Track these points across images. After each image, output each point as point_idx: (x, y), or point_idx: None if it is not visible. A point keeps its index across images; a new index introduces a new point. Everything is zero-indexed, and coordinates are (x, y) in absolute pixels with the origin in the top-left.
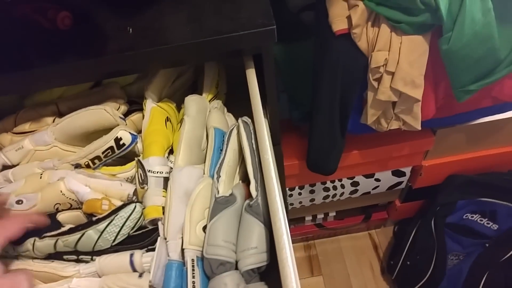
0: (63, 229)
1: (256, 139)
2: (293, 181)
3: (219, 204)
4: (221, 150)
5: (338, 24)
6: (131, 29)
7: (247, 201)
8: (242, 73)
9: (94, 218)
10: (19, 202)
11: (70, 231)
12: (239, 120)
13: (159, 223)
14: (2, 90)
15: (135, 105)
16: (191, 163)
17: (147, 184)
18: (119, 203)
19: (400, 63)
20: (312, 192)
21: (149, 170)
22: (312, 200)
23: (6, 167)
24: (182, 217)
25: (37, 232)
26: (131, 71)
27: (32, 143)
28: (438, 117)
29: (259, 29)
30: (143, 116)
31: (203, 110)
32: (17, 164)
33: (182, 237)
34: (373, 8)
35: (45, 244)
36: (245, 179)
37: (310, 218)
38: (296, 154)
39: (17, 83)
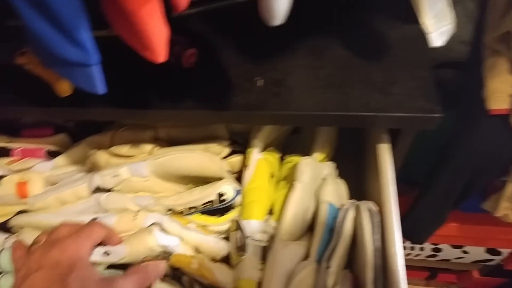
0: None
1: (382, 236)
2: None
3: None
4: (332, 229)
5: (497, 102)
6: (262, 81)
7: None
8: None
9: None
10: (106, 254)
11: None
12: (362, 206)
13: None
14: (110, 117)
15: (236, 145)
16: (294, 236)
17: (245, 251)
18: (209, 264)
19: None
20: None
21: (249, 237)
22: None
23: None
24: None
25: None
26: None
27: (129, 173)
28: None
29: (418, 114)
30: (243, 159)
31: (316, 177)
32: (111, 188)
33: None
34: None
35: None
36: (349, 265)
37: None
38: None
39: (130, 115)
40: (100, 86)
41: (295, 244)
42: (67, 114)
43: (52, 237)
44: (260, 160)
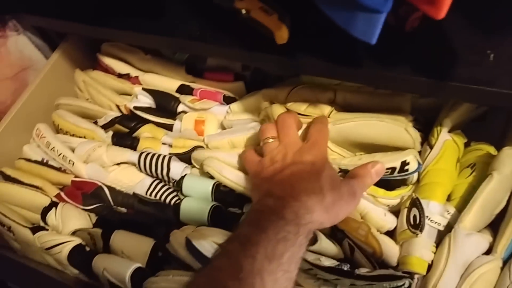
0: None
1: None
2: None
3: None
4: None
5: None
6: (493, 55)
7: None
8: None
9: (356, 272)
10: None
11: (326, 269)
12: None
13: (416, 278)
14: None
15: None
16: (477, 227)
17: (421, 231)
18: (375, 233)
19: None
20: None
21: (427, 217)
22: None
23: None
24: None
25: None
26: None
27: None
28: None
29: None
30: (423, 138)
31: None
32: None
33: None
34: None
35: None
36: None
37: None
38: None
39: (338, 72)
40: (375, 36)
41: (479, 235)
42: (277, 63)
43: (308, 142)
44: (448, 141)
